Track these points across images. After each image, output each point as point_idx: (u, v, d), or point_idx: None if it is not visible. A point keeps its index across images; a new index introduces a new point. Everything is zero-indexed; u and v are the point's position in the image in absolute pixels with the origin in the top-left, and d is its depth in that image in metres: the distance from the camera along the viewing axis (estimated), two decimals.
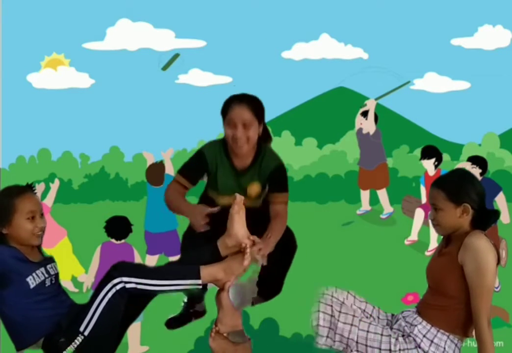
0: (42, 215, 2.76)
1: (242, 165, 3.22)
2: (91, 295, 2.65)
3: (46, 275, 2.71)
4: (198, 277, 2.74)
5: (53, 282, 2.74)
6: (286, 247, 3.41)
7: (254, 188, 3.23)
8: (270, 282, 3.65)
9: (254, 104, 3.18)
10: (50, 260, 2.82)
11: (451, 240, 2.73)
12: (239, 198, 2.88)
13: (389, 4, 10.12)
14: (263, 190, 3.26)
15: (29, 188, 2.80)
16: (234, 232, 2.85)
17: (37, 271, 2.67)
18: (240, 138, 3.10)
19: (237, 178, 3.23)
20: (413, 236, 6.47)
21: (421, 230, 6.39)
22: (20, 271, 2.63)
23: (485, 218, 2.71)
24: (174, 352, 4.26)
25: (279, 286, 3.65)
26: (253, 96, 3.25)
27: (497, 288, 5.34)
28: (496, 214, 2.74)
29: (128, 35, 10.16)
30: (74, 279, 5.69)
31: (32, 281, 2.64)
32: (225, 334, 2.86)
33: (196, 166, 3.25)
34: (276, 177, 3.24)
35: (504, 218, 5.79)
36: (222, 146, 3.23)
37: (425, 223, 6.30)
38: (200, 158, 3.24)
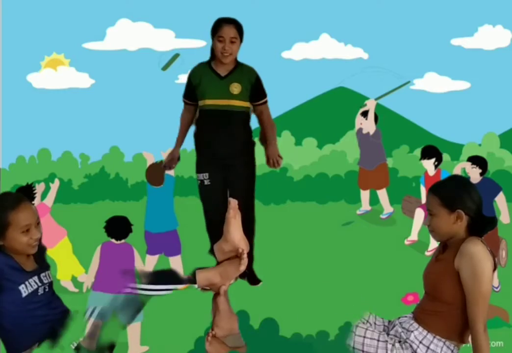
0: (38, 223, 2.69)
1: (224, 72, 4.25)
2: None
3: (39, 284, 2.69)
4: (194, 281, 2.74)
5: (46, 290, 2.71)
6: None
7: (236, 86, 4.22)
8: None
9: (239, 26, 4.29)
10: (45, 268, 2.79)
11: (448, 246, 2.73)
12: (234, 202, 2.86)
13: (389, 4, 10.12)
14: (243, 92, 4.24)
15: (25, 194, 2.74)
16: (231, 237, 2.84)
17: (30, 280, 2.65)
18: (227, 51, 4.17)
19: (220, 81, 4.25)
20: (413, 236, 6.46)
21: (421, 230, 6.37)
22: (13, 279, 2.61)
23: (481, 225, 2.71)
24: (174, 352, 4.25)
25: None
26: (237, 20, 4.33)
27: (497, 288, 5.34)
28: (493, 221, 2.73)
29: (128, 35, 10.15)
30: (74, 279, 5.68)
31: (24, 289, 2.63)
32: (221, 338, 2.85)
33: (186, 85, 4.34)
34: (257, 86, 4.34)
35: (504, 218, 5.78)
36: (206, 63, 4.31)
37: (425, 223, 6.28)
38: (188, 79, 4.33)
